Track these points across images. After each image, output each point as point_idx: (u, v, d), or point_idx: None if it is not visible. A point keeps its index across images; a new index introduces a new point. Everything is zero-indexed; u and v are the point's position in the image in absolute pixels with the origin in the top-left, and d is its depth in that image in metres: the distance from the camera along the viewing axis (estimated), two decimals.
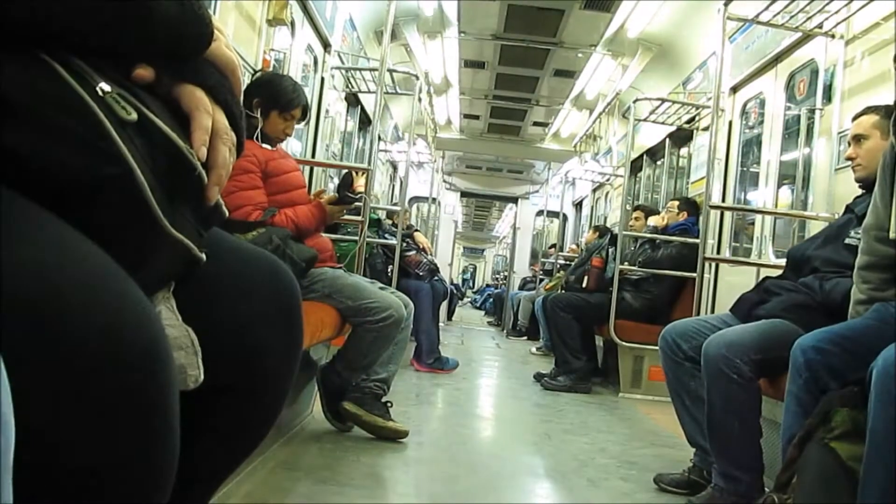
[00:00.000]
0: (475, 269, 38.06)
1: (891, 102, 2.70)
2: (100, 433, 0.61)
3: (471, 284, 34.06)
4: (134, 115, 0.73)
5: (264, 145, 3.09)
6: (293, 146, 5.78)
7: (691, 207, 5.79)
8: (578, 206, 13.94)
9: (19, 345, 0.55)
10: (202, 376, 0.88)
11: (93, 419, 0.60)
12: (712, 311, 5.37)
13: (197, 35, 0.86)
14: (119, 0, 0.74)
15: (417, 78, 6.77)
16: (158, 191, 0.74)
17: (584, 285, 5.84)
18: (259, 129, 3.04)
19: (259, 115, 3.02)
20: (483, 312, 18.92)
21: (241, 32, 4.14)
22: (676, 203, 5.89)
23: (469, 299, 25.01)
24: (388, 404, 3.26)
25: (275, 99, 3.06)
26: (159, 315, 0.84)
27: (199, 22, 0.84)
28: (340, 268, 3.32)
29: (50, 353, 0.57)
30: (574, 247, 11.19)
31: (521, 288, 12.37)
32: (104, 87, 0.72)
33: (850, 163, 2.86)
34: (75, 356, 0.58)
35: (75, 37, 0.72)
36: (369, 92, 7.13)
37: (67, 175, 0.68)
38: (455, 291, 15.48)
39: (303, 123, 3.47)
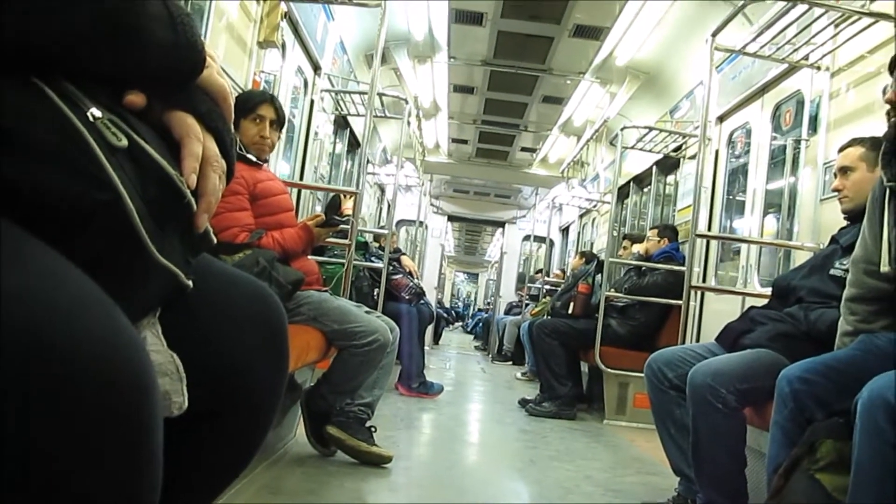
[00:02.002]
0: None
1: (875, 134, 2.73)
2: (82, 461, 0.60)
3: (470, 310, 33.69)
4: (124, 142, 0.73)
5: (249, 155, 3.08)
6: (282, 168, 5.79)
7: (671, 233, 5.83)
8: (565, 231, 14.00)
9: (2, 372, 0.55)
10: (186, 403, 0.87)
11: (75, 447, 0.60)
12: (698, 338, 5.38)
13: (189, 62, 0.86)
14: (112, 26, 0.74)
15: (407, 102, 6.78)
16: (147, 218, 0.74)
17: (570, 311, 5.84)
18: (239, 143, 3.03)
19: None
20: (473, 337, 18.86)
21: (231, 54, 4.15)
22: (656, 231, 5.93)
23: (461, 323, 24.92)
24: (373, 429, 3.24)
25: (236, 108, 3.05)
26: (144, 341, 0.84)
27: (192, 49, 0.84)
28: (327, 291, 3.32)
29: (33, 380, 0.57)
30: (558, 272, 11.20)
31: (507, 312, 12.36)
32: (95, 112, 0.72)
33: (835, 193, 2.88)
34: (59, 384, 0.58)
35: (67, 62, 0.72)
36: (358, 115, 7.16)
37: (56, 201, 0.67)
38: (445, 315, 15.41)
39: (284, 131, 3.42)
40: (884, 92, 2.35)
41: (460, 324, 24.77)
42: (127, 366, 0.63)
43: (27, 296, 0.58)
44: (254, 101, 3.10)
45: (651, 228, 6.22)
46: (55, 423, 0.58)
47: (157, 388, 0.67)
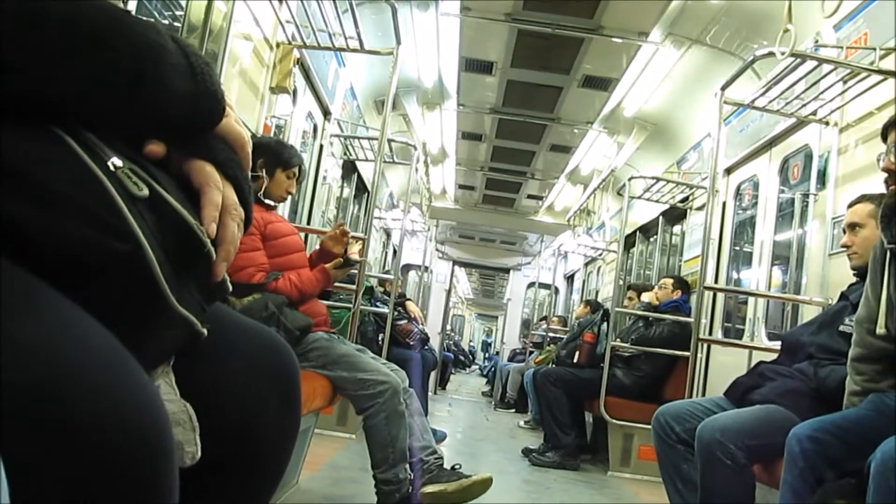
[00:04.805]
0: None
1: (884, 191, 2.73)
2: None
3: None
4: (145, 191, 0.73)
5: (267, 200, 3.13)
6: (287, 211, 5.80)
7: (684, 286, 5.81)
8: (570, 279, 13.97)
9: (17, 426, 0.54)
10: (199, 453, 0.86)
11: (90, 500, 0.59)
12: (703, 391, 5.34)
13: (209, 111, 0.86)
14: (133, 77, 0.74)
15: (415, 148, 6.82)
16: (167, 267, 0.74)
17: (575, 360, 5.81)
18: (262, 190, 3.08)
19: (265, 175, 3.06)
20: (486, 380, 18.68)
21: (243, 98, 4.19)
22: (671, 281, 5.90)
23: (477, 365, 24.81)
24: (457, 466, 3.19)
25: (278, 157, 3.12)
26: (157, 389, 0.83)
27: (212, 98, 0.85)
28: (334, 333, 3.28)
29: (48, 434, 0.56)
30: (555, 319, 11.11)
31: (511, 360, 12.28)
32: (116, 161, 0.72)
33: (844, 249, 2.88)
34: (74, 438, 0.57)
35: (88, 112, 0.73)
36: (367, 160, 7.20)
37: (76, 251, 0.67)
38: (462, 358, 15.21)
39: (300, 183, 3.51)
40: (878, 160, 2.36)
41: (477, 366, 24.62)
42: (142, 420, 0.62)
43: (41, 347, 0.58)
44: (296, 160, 3.20)
45: (665, 277, 6.20)
46: (68, 475, 0.57)
47: (172, 441, 0.66)
